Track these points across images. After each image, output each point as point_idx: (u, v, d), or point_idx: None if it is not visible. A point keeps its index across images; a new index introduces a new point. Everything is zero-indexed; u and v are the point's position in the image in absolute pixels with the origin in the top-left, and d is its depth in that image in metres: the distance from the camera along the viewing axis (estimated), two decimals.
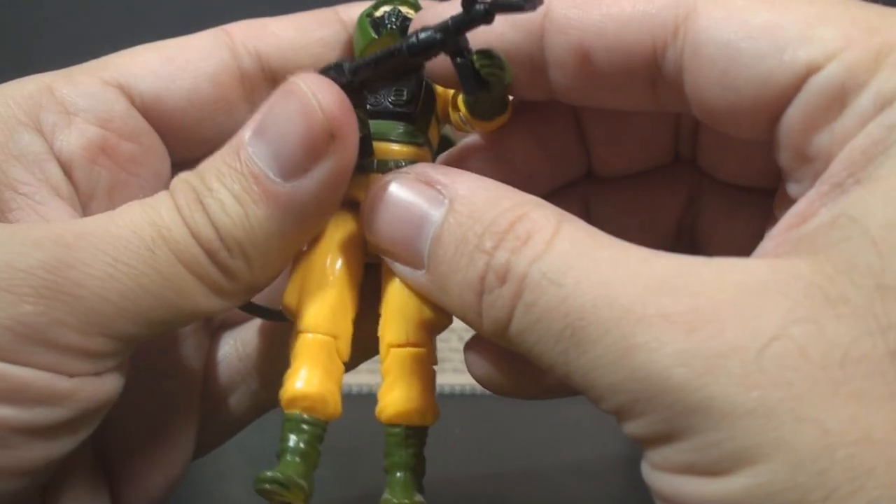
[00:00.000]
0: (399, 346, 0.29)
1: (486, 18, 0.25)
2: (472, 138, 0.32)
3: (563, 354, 0.23)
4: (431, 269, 0.26)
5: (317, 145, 0.26)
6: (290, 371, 0.28)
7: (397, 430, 0.29)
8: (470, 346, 0.30)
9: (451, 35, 0.26)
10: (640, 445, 0.23)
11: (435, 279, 0.26)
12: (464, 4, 0.25)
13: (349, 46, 0.34)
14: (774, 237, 0.25)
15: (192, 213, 0.26)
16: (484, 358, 0.29)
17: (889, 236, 0.22)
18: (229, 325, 0.35)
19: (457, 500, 0.41)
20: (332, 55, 0.33)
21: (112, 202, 0.31)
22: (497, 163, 0.31)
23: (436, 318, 0.29)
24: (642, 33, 0.27)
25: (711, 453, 0.21)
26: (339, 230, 0.30)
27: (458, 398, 0.53)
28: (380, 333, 0.29)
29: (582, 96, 0.29)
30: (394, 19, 0.32)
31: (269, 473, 0.27)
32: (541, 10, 0.27)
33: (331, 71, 0.28)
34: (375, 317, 0.30)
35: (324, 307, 0.29)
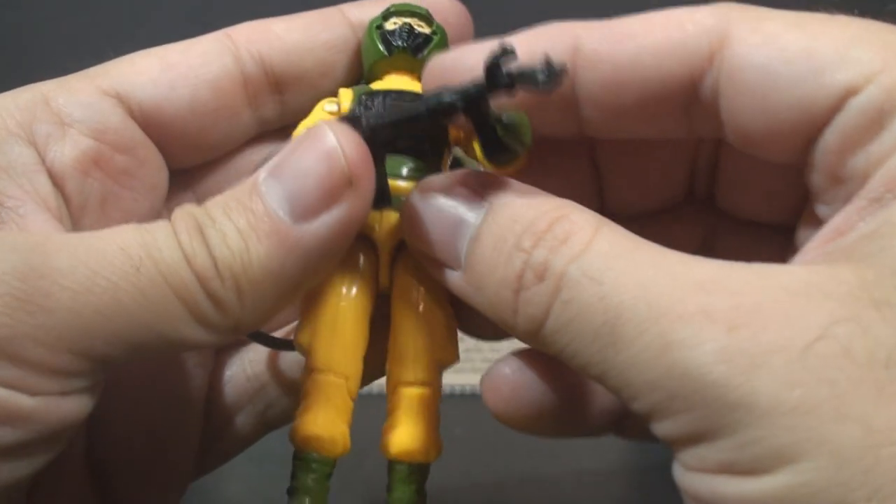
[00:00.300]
0: (407, 384, 0.29)
1: (509, 90, 0.25)
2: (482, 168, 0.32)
3: (600, 352, 0.23)
4: (468, 268, 0.26)
5: (334, 190, 0.25)
6: (301, 409, 0.29)
7: (402, 466, 0.29)
8: (487, 379, 0.30)
9: (472, 102, 0.26)
10: (672, 447, 0.23)
11: (471, 278, 0.26)
12: (487, 73, 0.25)
13: (356, 51, 0.33)
14: (810, 250, 0.25)
15: (190, 238, 0.25)
16: (502, 390, 0.29)
17: None
18: (238, 344, 0.35)
19: (458, 502, 0.41)
20: (337, 59, 0.33)
21: (105, 215, 0.30)
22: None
23: (445, 357, 0.30)
24: (679, 63, 0.27)
25: (751, 451, 0.21)
26: (351, 265, 0.30)
27: (458, 398, 0.53)
28: (387, 367, 0.30)
29: (612, 129, 0.29)
30: (406, 36, 0.31)
31: None
32: (570, 45, 0.27)
33: (343, 122, 0.27)
34: (382, 342, 0.30)
35: (335, 347, 0.29)
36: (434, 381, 0.29)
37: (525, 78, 0.24)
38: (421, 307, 0.30)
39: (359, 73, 0.34)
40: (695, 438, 0.22)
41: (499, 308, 0.26)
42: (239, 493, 0.43)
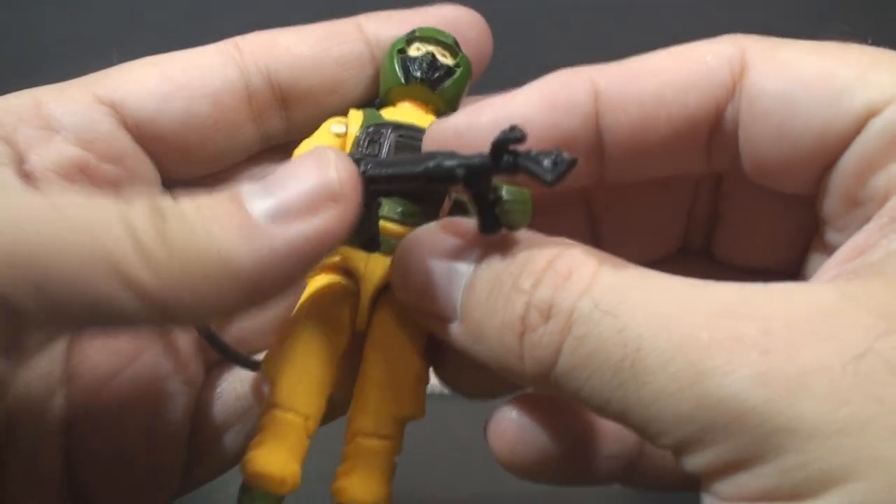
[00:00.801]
0: (367, 435, 0.29)
1: (512, 172, 0.24)
2: None
3: (621, 388, 0.22)
4: (466, 318, 0.25)
5: (316, 201, 0.24)
6: (256, 442, 0.28)
7: None
8: (493, 425, 0.29)
9: (472, 177, 0.25)
10: (705, 479, 0.22)
11: (470, 328, 0.25)
12: (492, 152, 0.24)
13: (371, 66, 0.32)
14: (829, 270, 0.25)
15: (137, 204, 0.23)
16: (508, 436, 0.29)
17: None
18: (229, 363, 0.34)
19: (458, 501, 0.41)
20: (348, 75, 0.32)
21: None
22: None
23: (410, 412, 0.29)
24: (703, 95, 0.27)
25: (797, 475, 0.20)
26: (331, 302, 0.29)
27: (458, 399, 0.52)
28: (350, 412, 0.29)
29: (635, 171, 0.28)
30: (425, 67, 0.31)
31: None
32: (589, 90, 0.27)
33: None
34: (350, 378, 0.30)
35: (301, 386, 0.29)
36: (395, 436, 0.29)
37: (532, 170, 0.23)
38: (394, 359, 0.29)
39: (375, 89, 0.33)
40: (733, 467, 0.21)
41: (503, 355, 0.25)
42: (237, 493, 0.43)
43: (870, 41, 0.26)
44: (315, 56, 0.32)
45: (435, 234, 0.27)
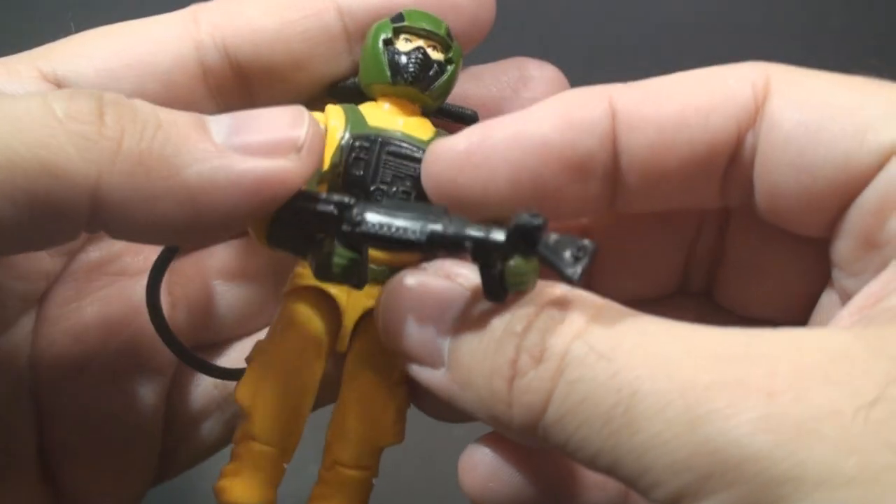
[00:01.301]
0: (345, 466, 0.28)
1: (527, 258, 0.23)
2: None
3: (612, 437, 0.21)
4: (453, 365, 0.24)
5: (278, 147, 0.24)
6: (230, 469, 0.28)
7: None
8: (464, 461, 0.29)
9: (482, 251, 0.23)
10: None
11: (457, 375, 0.24)
12: (510, 234, 0.23)
13: (345, 43, 0.29)
14: (846, 317, 0.24)
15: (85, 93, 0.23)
16: (479, 473, 0.28)
17: None
18: (206, 352, 0.34)
19: (458, 502, 0.41)
20: (317, 51, 0.29)
21: None
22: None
23: (389, 440, 0.29)
24: (726, 119, 0.25)
25: None
26: (308, 325, 0.29)
27: None
28: (328, 438, 0.29)
29: (648, 198, 0.27)
30: (416, 69, 0.28)
31: None
32: (606, 109, 0.26)
33: (334, 209, 0.25)
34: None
35: (279, 420, 0.28)
36: (373, 465, 0.29)
37: (554, 263, 0.22)
38: (374, 388, 0.29)
39: (350, 67, 0.30)
40: None
41: (490, 403, 0.23)
42: None
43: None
44: (278, 28, 0.29)
45: (421, 281, 0.25)
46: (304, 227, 0.25)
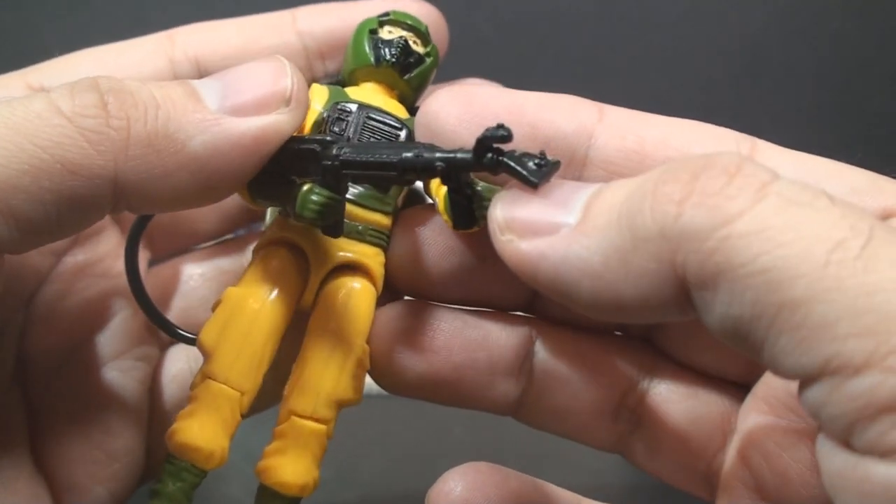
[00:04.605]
0: (303, 417, 0.28)
1: (494, 171, 0.24)
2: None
3: (833, 266, 0.19)
4: (587, 217, 0.23)
5: (268, 102, 0.26)
6: (185, 412, 0.28)
7: (275, 496, 0.28)
8: (434, 495, 0.28)
9: (452, 171, 0.25)
10: (853, 424, 0.19)
11: (589, 226, 0.23)
12: (476, 148, 0.24)
13: (303, 60, 0.32)
14: None
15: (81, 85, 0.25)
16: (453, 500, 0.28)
17: None
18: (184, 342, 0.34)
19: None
20: None
21: None
22: (453, 238, 0.29)
23: (348, 397, 0.29)
24: (704, 150, 0.26)
25: None
26: (277, 274, 0.29)
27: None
28: (287, 390, 0.29)
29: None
30: (398, 53, 0.30)
31: None
32: (595, 109, 0.27)
33: (316, 146, 0.26)
34: (286, 365, 0.29)
35: (240, 359, 0.28)
36: (331, 419, 0.29)
37: (516, 170, 0.23)
38: (337, 342, 0.29)
39: (310, 82, 0.31)
40: None
41: (636, 222, 0.21)
42: (239, 493, 0.43)
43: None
44: (244, 45, 0.32)
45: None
46: (284, 172, 0.27)
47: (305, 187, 0.26)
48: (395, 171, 0.25)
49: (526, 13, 0.57)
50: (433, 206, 0.29)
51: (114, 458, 0.32)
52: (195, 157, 0.25)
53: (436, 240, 0.29)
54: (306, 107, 0.27)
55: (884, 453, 0.19)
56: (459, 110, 0.27)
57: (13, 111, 0.24)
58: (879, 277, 0.19)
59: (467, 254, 0.29)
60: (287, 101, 0.26)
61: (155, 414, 0.33)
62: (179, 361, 0.34)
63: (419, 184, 0.30)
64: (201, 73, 0.31)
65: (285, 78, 0.26)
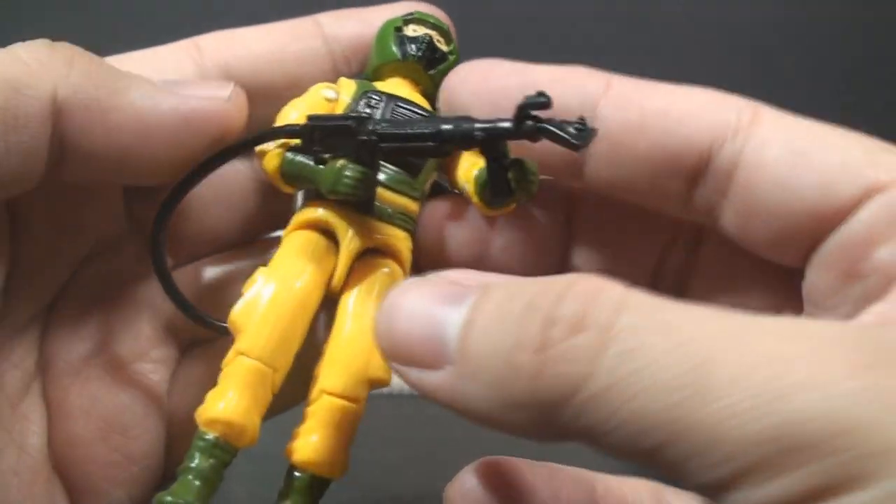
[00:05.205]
0: (333, 394, 0.28)
1: (533, 138, 0.25)
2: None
3: (678, 407, 0.19)
4: (461, 356, 0.22)
5: (211, 95, 0.29)
6: (217, 390, 0.27)
7: (304, 475, 0.28)
8: (451, 491, 0.28)
9: (491, 140, 0.25)
10: None
11: (466, 366, 0.22)
12: (516, 116, 0.24)
13: (330, 65, 0.33)
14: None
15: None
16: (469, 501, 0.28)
17: None
18: (201, 341, 0.34)
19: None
20: (305, 71, 0.32)
21: None
22: (477, 231, 0.30)
23: (379, 377, 0.29)
24: (704, 126, 0.27)
25: None
26: (309, 256, 0.29)
27: None
28: (317, 370, 0.29)
29: (613, 180, 0.28)
30: (424, 48, 0.31)
31: (167, 498, 0.26)
32: (602, 83, 0.27)
33: (353, 122, 0.26)
34: (315, 352, 0.29)
35: (273, 335, 0.28)
36: (361, 398, 0.28)
37: (559, 136, 0.24)
38: (367, 322, 0.28)
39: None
40: (815, 496, 0.19)
41: (508, 384, 0.21)
42: (239, 492, 0.43)
43: None
44: (273, 52, 0.32)
45: (427, 282, 0.24)
46: (317, 152, 0.28)
47: (339, 163, 0.26)
48: (434, 141, 0.26)
49: (526, 13, 0.57)
50: (459, 196, 0.30)
51: (132, 462, 0.32)
52: (133, 104, 0.27)
53: (461, 228, 0.30)
54: (245, 114, 0.29)
55: None
56: (475, 85, 0.28)
57: None
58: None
59: (492, 242, 0.30)
60: (226, 101, 0.29)
61: (173, 417, 0.33)
62: (198, 364, 0.34)
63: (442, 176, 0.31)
64: (229, 79, 0.31)
65: (226, 88, 0.29)
